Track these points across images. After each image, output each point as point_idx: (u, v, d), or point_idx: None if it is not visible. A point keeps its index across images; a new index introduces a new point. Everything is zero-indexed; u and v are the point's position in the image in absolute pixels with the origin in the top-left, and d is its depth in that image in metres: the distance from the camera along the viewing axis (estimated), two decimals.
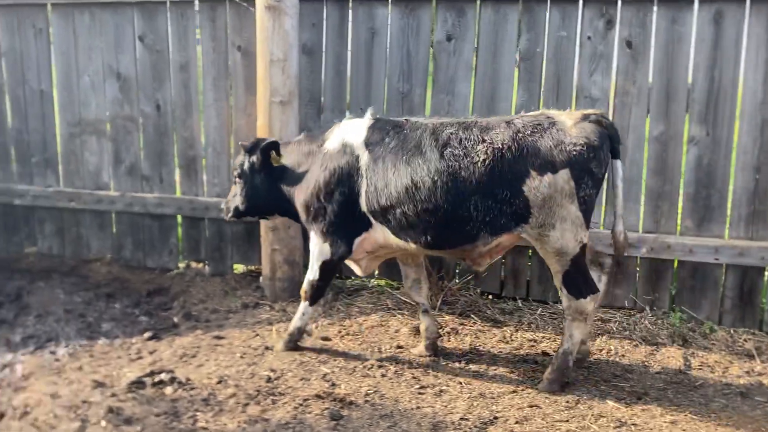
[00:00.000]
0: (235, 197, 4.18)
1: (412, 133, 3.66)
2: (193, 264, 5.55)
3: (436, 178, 3.51)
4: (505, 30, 4.44)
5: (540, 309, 4.63)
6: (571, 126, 3.47)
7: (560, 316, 4.53)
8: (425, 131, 3.64)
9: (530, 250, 4.68)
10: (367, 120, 3.83)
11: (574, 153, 3.40)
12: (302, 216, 3.98)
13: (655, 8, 4.20)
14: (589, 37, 4.32)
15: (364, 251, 3.95)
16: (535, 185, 3.42)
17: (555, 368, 3.65)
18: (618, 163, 3.59)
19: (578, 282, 3.55)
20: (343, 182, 3.76)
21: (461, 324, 4.49)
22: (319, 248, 3.92)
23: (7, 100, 5.59)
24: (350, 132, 3.82)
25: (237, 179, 4.16)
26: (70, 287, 5.25)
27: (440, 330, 4.30)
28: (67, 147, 5.50)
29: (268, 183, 4.08)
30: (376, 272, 5.06)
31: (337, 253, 3.90)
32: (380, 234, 3.80)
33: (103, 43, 5.25)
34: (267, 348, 4.20)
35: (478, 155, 3.46)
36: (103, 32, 5.23)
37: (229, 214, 4.25)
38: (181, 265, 5.52)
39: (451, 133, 3.56)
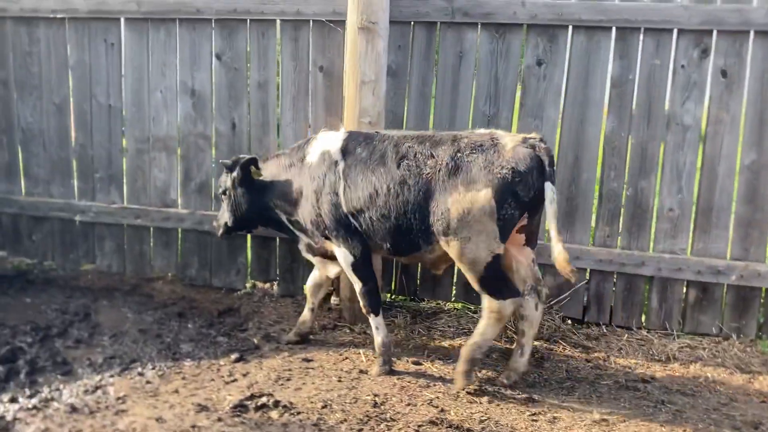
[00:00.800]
0: (223, 214, 4.53)
1: (380, 144, 3.98)
2: (259, 284, 5.49)
3: (391, 186, 3.85)
4: (597, 56, 4.48)
5: (626, 335, 4.62)
6: (509, 149, 3.70)
7: (648, 343, 4.53)
8: (390, 143, 3.96)
9: (615, 276, 4.68)
10: (342, 132, 4.17)
11: (500, 176, 3.65)
12: (310, 229, 4.24)
13: (751, 38, 4.26)
14: (682, 66, 4.37)
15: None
16: (458, 199, 3.69)
17: (464, 360, 3.86)
18: (548, 186, 3.71)
19: (499, 285, 3.78)
20: (328, 186, 4.08)
21: (549, 350, 4.47)
22: (340, 253, 4.16)
23: (71, 114, 5.52)
24: (328, 142, 4.14)
25: (222, 196, 4.48)
26: (137, 306, 5.16)
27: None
28: (133, 163, 5.44)
29: (251, 196, 4.39)
30: (452, 295, 5.03)
31: (357, 255, 4.10)
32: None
33: (177, 59, 5.21)
34: (361, 371, 4.14)
35: (425, 168, 3.80)
36: (179, 48, 5.19)
37: (220, 231, 4.60)
38: (248, 285, 5.45)
39: (409, 147, 3.90)
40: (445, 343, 4.58)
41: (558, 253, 3.64)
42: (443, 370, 4.19)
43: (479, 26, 4.61)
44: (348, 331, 4.77)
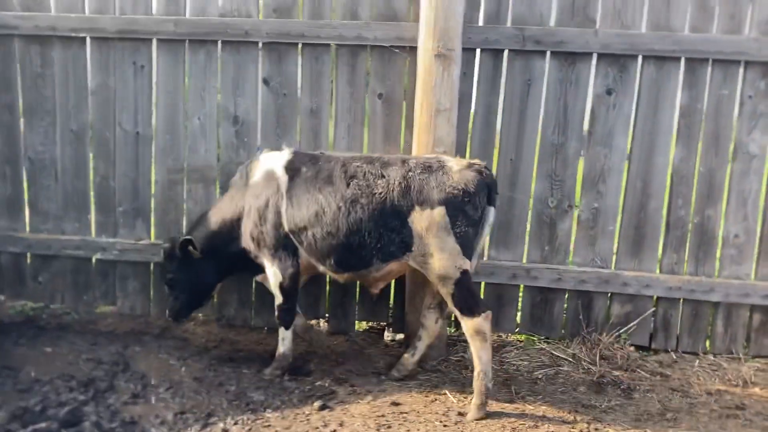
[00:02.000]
0: (177, 299, 4.55)
1: (326, 164, 4.15)
2: (312, 321, 5.19)
3: (341, 204, 4.00)
4: (667, 86, 4.54)
5: (696, 361, 4.68)
6: (456, 171, 3.97)
7: (719, 368, 4.60)
8: (337, 163, 4.13)
9: (681, 302, 4.74)
10: (286, 152, 4.30)
11: (451, 195, 3.91)
12: (250, 245, 4.33)
13: None
14: (750, 96, 4.50)
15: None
16: (418, 218, 3.92)
17: (478, 393, 3.96)
18: (491, 210, 4.06)
19: (468, 302, 3.94)
20: (271, 206, 4.19)
21: (631, 379, 4.44)
22: (271, 271, 4.32)
23: (90, 142, 5.04)
24: (271, 161, 4.28)
25: (171, 283, 4.52)
26: (176, 352, 4.75)
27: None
28: (165, 195, 5.03)
29: (203, 265, 4.45)
30: (516, 326, 4.94)
31: (288, 275, 4.27)
32: (302, 255, 4.25)
33: (219, 84, 4.87)
34: (460, 413, 3.97)
35: (377, 188, 3.98)
36: (221, 72, 4.85)
37: (180, 317, 4.64)
38: None
39: (358, 167, 4.07)
40: (525, 377, 4.47)
41: (473, 265, 4.08)
42: (541, 409, 4.06)
43: (548, 54, 4.58)
44: (420, 369, 4.56)
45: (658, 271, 4.73)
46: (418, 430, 3.78)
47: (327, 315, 5.10)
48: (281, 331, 4.44)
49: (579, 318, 4.82)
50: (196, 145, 4.95)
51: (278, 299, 4.38)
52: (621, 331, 4.76)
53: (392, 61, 4.71)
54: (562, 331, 4.87)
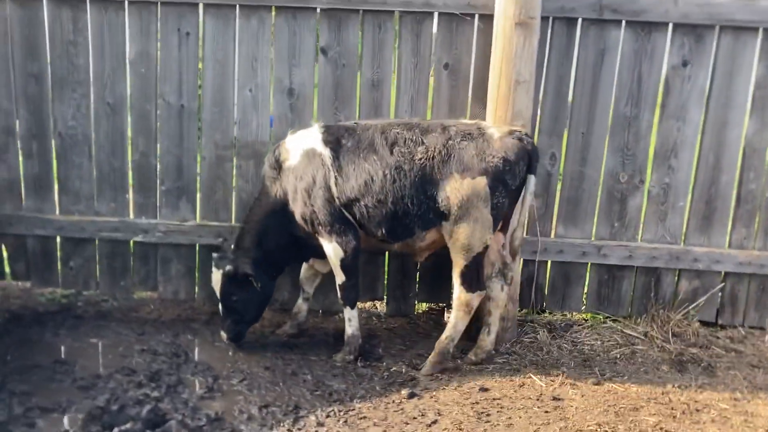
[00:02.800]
0: (237, 323, 4.31)
1: (364, 133, 4.06)
2: (359, 304, 4.96)
3: (386, 172, 3.94)
4: (743, 57, 4.44)
5: (767, 336, 4.66)
6: (496, 139, 3.95)
7: None
8: (375, 131, 4.04)
9: (749, 278, 4.70)
10: (315, 128, 4.17)
11: (492, 164, 3.89)
12: (305, 228, 4.19)
13: None
14: None
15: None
16: (457, 186, 3.88)
17: (437, 352, 4.13)
18: (531, 178, 4.05)
19: (472, 278, 4.01)
20: (320, 181, 4.05)
21: (709, 357, 4.39)
22: (330, 248, 4.15)
23: (128, 116, 4.66)
24: (305, 139, 4.14)
25: (232, 308, 4.28)
26: None
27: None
28: (212, 173, 4.72)
29: (262, 276, 4.24)
30: (582, 305, 4.83)
31: (349, 249, 4.13)
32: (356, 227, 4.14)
33: (273, 53, 4.54)
34: (555, 398, 3.84)
35: (417, 155, 3.93)
36: (275, 40, 4.53)
37: (242, 339, 4.36)
38: None
39: (398, 133, 4.01)
40: (601, 357, 4.38)
41: (516, 238, 4.17)
42: (632, 390, 3.97)
43: (623, 24, 4.41)
44: (494, 353, 4.40)
45: (727, 246, 4.67)
46: (519, 417, 3.64)
47: (385, 296, 4.89)
48: (347, 311, 4.28)
49: (646, 295, 4.74)
50: (247, 118, 4.63)
51: (340, 277, 4.23)
52: (690, 307, 4.70)
53: (460, 30, 4.47)
54: (629, 309, 4.78)
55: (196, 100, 4.64)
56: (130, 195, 4.80)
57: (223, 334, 4.29)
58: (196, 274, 4.89)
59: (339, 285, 4.25)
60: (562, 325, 4.75)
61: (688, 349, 4.44)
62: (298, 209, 4.16)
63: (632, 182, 4.61)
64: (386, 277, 4.86)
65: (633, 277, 4.74)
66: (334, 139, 4.09)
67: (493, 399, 3.84)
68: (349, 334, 4.28)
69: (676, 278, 4.74)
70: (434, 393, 3.89)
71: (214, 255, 4.34)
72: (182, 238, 4.76)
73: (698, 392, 3.97)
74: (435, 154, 3.95)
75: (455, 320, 4.13)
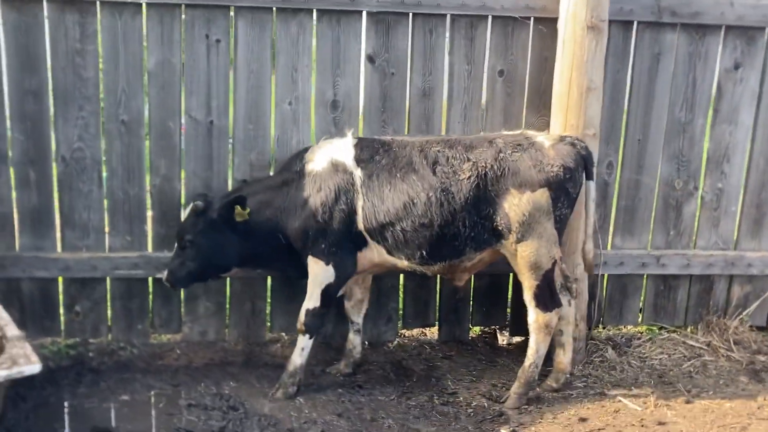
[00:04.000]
0: (184, 264, 3.84)
1: (401, 150, 3.75)
2: (406, 332, 4.61)
3: (430, 194, 3.64)
4: None
5: None
6: (549, 147, 3.72)
7: None
8: (413, 149, 3.75)
9: None
10: (350, 139, 3.83)
11: (552, 174, 3.66)
12: (298, 243, 3.81)
13: None
14: None
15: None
16: (516, 202, 3.63)
17: (523, 383, 3.85)
18: (591, 185, 3.87)
19: (546, 296, 3.78)
20: (342, 200, 3.72)
21: None
22: (321, 271, 3.79)
23: (147, 136, 4.08)
24: (335, 150, 3.81)
25: (186, 245, 3.82)
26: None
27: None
28: None
29: (231, 238, 3.83)
30: (639, 318, 4.67)
31: (343, 275, 3.82)
32: (374, 252, 3.82)
33: (315, 62, 4.10)
34: (660, 423, 3.63)
35: (464, 173, 3.65)
36: (317, 48, 4.09)
37: (180, 283, 3.91)
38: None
39: (438, 152, 3.72)
40: (675, 372, 4.24)
41: (588, 251, 3.92)
42: (725, 406, 3.83)
43: (678, 27, 4.29)
44: (569, 376, 4.14)
45: None
46: None
47: (438, 322, 4.54)
48: (303, 339, 3.86)
49: (700, 304, 4.65)
50: (286, 134, 4.16)
51: (314, 302, 3.84)
52: (744, 313, 4.65)
53: (516, 34, 4.21)
54: (684, 319, 4.67)
55: (228, 116, 4.12)
56: (149, 226, 4.21)
57: (165, 273, 3.88)
58: (227, 311, 4.35)
59: (307, 309, 3.84)
60: (624, 340, 4.57)
61: (756, 357, 4.39)
62: (299, 221, 3.78)
63: (687, 189, 4.50)
64: (438, 301, 4.51)
65: (688, 286, 4.64)
66: (368, 156, 3.77)
67: (599, 430, 3.58)
68: (298, 365, 3.87)
69: (729, 284, 4.67)
70: (533, 428, 3.59)
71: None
72: None
73: None
74: (487, 170, 3.66)
75: (536, 345, 3.84)
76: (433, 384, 4.07)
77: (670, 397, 3.92)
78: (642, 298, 4.65)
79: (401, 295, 4.49)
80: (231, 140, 4.15)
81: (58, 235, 4.14)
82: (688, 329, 4.65)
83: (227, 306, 4.35)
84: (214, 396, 3.82)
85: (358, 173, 3.73)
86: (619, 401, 3.87)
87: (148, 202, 4.18)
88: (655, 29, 4.29)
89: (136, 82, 4.02)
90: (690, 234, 4.57)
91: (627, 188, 4.46)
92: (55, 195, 4.12)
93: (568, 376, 4.07)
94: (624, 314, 4.63)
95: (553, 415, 3.73)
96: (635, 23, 4.27)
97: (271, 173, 4.14)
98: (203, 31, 4.00)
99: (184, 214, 3.92)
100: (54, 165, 4.07)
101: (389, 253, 3.80)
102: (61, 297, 4.23)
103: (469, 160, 3.68)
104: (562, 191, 3.70)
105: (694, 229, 4.57)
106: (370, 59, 4.15)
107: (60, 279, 4.18)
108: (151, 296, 4.29)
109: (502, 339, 4.64)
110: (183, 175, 4.16)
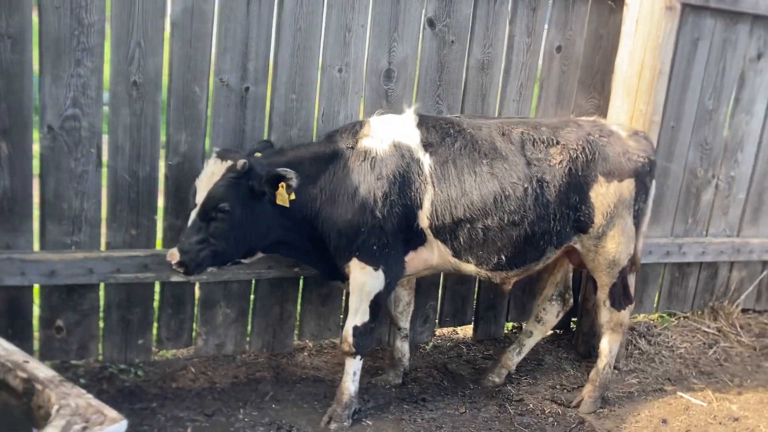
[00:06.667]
0: (207, 242, 2.94)
1: (477, 132, 3.28)
2: (440, 331, 4.20)
3: (526, 185, 3.24)
4: None
5: None
6: (626, 138, 3.48)
7: None
8: (492, 130, 3.32)
9: None
10: (412, 116, 3.28)
11: (640, 164, 3.43)
12: (341, 242, 3.15)
13: None
14: None
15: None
16: (602, 192, 3.38)
17: (598, 385, 3.65)
18: (653, 183, 3.66)
19: (621, 294, 3.60)
20: (404, 192, 3.15)
21: None
22: (370, 278, 3.18)
23: (165, 102, 3.22)
24: (398, 131, 3.22)
25: (216, 215, 2.93)
26: (323, 398, 3.46)
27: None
28: None
29: (270, 213, 3.06)
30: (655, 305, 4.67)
31: (393, 280, 3.29)
32: (432, 253, 3.30)
33: (369, 23, 3.49)
34: (732, 419, 3.65)
35: (554, 158, 3.31)
36: (373, 6, 3.48)
37: (198, 267, 2.97)
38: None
39: (524, 132, 3.33)
40: (704, 360, 4.30)
41: (639, 250, 3.67)
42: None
43: (717, 13, 4.24)
44: (616, 371, 4.03)
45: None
46: None
47: (474, 319, 4.18)
48: (353, 362, 3.27)
49: (706, 289, 4.76)
50: (333, 108, 3.52)
51: (362, 316, 3.22)
52: (741, 297, 4.83)
53: (576, 8, 3.90)
54: (692, 305, 4.76)
55: (266, 83, 3.37)
56: (160, 217, 3.36)
57: (175, 252, 2.91)
58: (249, 318, 3.64)
59: (355, 327, 3.22)
60: (645, 328, 4.53)
61: (763, 341, 4.58)
62: (345, 214, 3.10)
63: (706, 177, 4.53)
64: (476, 298, 4.14)
65: (698, 273, 4.71)
66: (437, 139, 3.21)
67: (686, 429, 3.49)
68: (352, 392, 3.30)
69: (730, 270, 4.81)
70: None
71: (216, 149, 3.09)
72: (242, 273, 3.48)
73: None
74: (579, 153, 3.30)
75: (610, 345, 3.66)
76: (493, 390, 3.73)
77: (722, 389, 3.96)
78: (660, 286, 4.65)
79: (440, 292, 4.06)
80: (269, 112, 3.42)
81: (37, 228, 3.16)
82: (696, 315, 4.75)
83: (251, 312, 3.64)
84: (268, 426, 3.16)
85: (426, 159, 3.18)
86: (682, 397, 3.82)
87: (161, 186, 3.33)
88: (696, 13, 4.19)
89: (156, 34, 3.13)
90: (705, 222, 4.62)
91: (657, 176, 4.37)
92: (36, 176, 3.13)
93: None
94: (644, 302, 4.61)
95: (634, 419, 3.58)
96: (679, 6, 4.13)
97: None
98: None
99: (210, 171, 2.98)
100: (36, 136, 3.07)
101: (456, 255, 3.29)
102: (35, 310, 3.26)
103: (558, 143, 3.32)
104: (643, 184, 3.47)
105: (708, 216, 4.63)
106: (431, 24, 3.61)
107: (35, 287, 3.21)
108: (157, 303, 3.46)
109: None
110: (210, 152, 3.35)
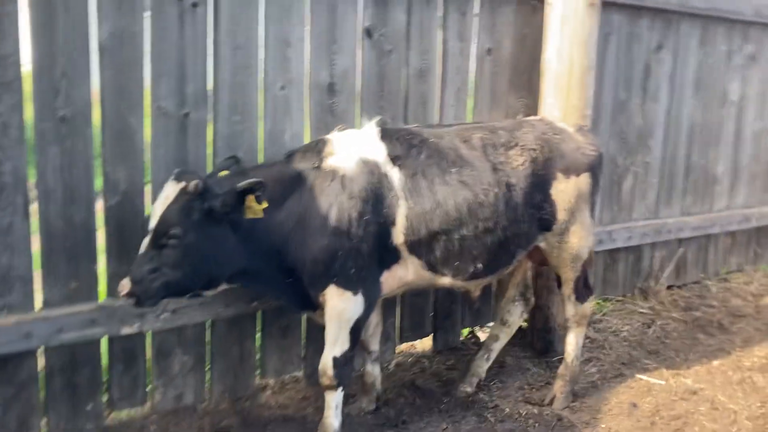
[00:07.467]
0: (160, 271, 2.70)
1: (439, 141, 3.20)
2: (402, 346, 4.10)
3: (495, 189, 3.20)
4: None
5: (713, 287, 5.33)
6: (573, 133, 3.55)
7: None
8: (453, 138, 3.26)
9: (692, 241, 5.30)
10: (374, 130, 3.15)
11: (593, 158, 3.50)
12: (316, 269, 2.96)
13: None
14: None
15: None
16: (562, 188, 3.41)
17: (569, 380, 3.68)
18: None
19: (583, 287, 3.65)
20: (377, 209, 3.01)
21: (708, 315, 4.84)
22: (350, 304, 3.02)
23: (98, 133, 2.91)
24: (363, 146, 3.08)
25: (167, 242, 2.71)
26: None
27: None
28: None
29: (230, 239, 2.83)
30: None
31: (372, 304, 3.15)
32: (407, 270, 3.17)
33: (307, 36, 3.34)
34: (691, 392, 3.81)
35: (516, 159, 3.30)
36: (312, 17, 3.33)
37: (151, 299, 2.73)
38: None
39: (484, 138, 3.30)
40: (649, 341, 4.47)
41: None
42: (714, 363, 4.17)
43: (619, 7, 4.45)
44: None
45: (679, 215, 5.16)
46: None
47: (433, 331, 4.11)
48: (334, 395, 3.11)
49: (633, 272, 4.97)
50: (277, 126, 3.34)
51: (342, 345, 3.06)
52: (664, 276, 5.09)
53: (500, 9, 3.95)
54: (623, 289, 4.96)
55: (206, 105, 3.13)
56: (102, 264, 3.02)
57: (125, 283, 2.65)
58: (207, 362, 3.36)
59: (335, 358, 3.05)
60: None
61: (691, 314, 4.84)
62: (325, 235, 2.91)
63: (625, 164, 4.74)
64: (434, 308, 4.08)
65: (626, 257, 4.91)
66: (403, 151, 3.09)
67: (657, 412, 3.60)
68: (336, 427, 3.14)
69: (652, 251, 5.06)
70: (604, 426, 3.47)
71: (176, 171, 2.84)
72: (198, 315, 3.20)
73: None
74: (537, 153, 3.32)
75: (576, 338, 3.71)
76: (466, 400, 3.67)
77: (671, 365, 4.13)
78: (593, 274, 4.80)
79: (398, 308, 3.95)
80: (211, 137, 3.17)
81: None
82: (627, 297, 4.95)
83: (208, 356, 3.36)
84: None
85: (395, 173, 3.05)
86: (641, 379, 3.95)
87: (102, 230, 2.99)
88: (607, 9, 4.32)
89: (81, 60, 2.81)
90: (628, 208, 4.83)
91: None
92: None
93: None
94: None
95: (606, 407, 3.65)
96: (600, 2, 4.28)
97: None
98: None
99: (165, 195, 2.74)
100: None
101: (432, 269, 3.18)
102: None
103: (517, 144, 3.31)
104: (596, 177, 3.56)
105: (630, 203, 4.84)
106: (368, 33, 3.51)
107: None
108: (106, 361, 3.11)
109: (484, 336, 4.39)
110: (149, 188, 3.06)
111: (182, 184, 2.72)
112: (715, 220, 5.32)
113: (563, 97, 3.93)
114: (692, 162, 5.16)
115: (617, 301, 4.90)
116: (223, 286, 2.97)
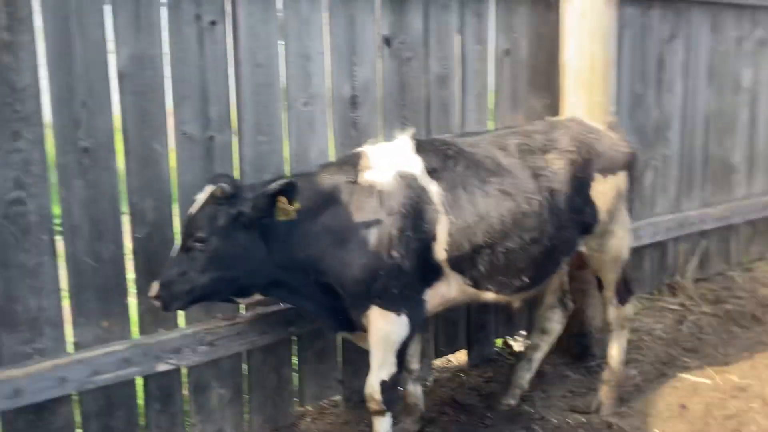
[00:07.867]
0: (188, 275, 2.64)
1: (474, 150, 3.09)
2: (437, 362, 3.99)
3: (539, 197, 3.08)
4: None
5: (739, 279, 5.26)
6: (605, 131, 3.48)
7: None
8: (489, 146, 3.14)
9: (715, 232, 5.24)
10: (408, 142, 3.01)
11: (628, 155, 3.43)
12: (357, 289, 2.84)
13: None
14: None
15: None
16: (601, 189, 3.30)
17: (614, 385, 3.61)
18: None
19: (623, 289, 3.59)
20: (417, 225, 2.88)
21: (739, 307, 4.77)
22: (395, 327, 2.90)
23: (121, 165, 2.80)
24: (399, 159, 2.94)
25: (195, 245, 2.64)
26: None
27: None
28: None
29: (260, 245, 2.73)
30: None
31: (417, 324, 3.01)
32: (450, 287, 3.04)
33: (328, 49, 3.24)
34: (739, 388, 3.73)
35: (554, 163, 3.17)
36: (331, 30, 3.24)
37: (177, 302, 2.67)
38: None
39: (520, 144, 3.18)
40: (686, 338, 4.40)
41: None
42: (757, 357, 4.10)
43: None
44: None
45: (699, 206, 5.09)
46: None
47: (467, 344, 4.00)
48: (383, 421, 2.99)
49: (659, 268, 4.91)
50: (302, 144, 3.22)
51: (389, 368, 2.93)
52: (690, 269, 5.03)
53: (515, 9, 3.87)
54: (651, 285, 4.89)
55: (230, 126, 3.02)
56: (133, 300, 2.90)
57: (155, 285, 2.62)
58: (245, 392, 3.24)
59: (383, 382, 2.92)
60: None
61: (722, 307, 4.77)
62: (364, 254, 2.78)
63: (645, 159, 4.67)
64: (467, 319, 3.97)
65: (651, 253, 4.85)
66: (439, 163, 2.95)
67: (707, 412, 3.52)
68: None
69: (676, 244, 5.00)
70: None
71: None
72: (234, 345, 3.08)
73: None
74: (575, 155, 3.18)
75: (619, 342, 3.61)
76: (511, 413, 3.57)
77: (713, 362, 4.05)
78: None
79: (433, 322, 3.84)
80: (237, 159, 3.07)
81: None
82: (653, 293, 4.89)
83: (245, 386, 3.23)
84: None
85: (434, 187, 2.90)
86: (686, 379, 3.87)
87: (132, 264, 2.87)
88: (621, 2, 4.30)
89: (100, 87, 2.70)
90: (651, 204, 4.77)
91: None
92: None
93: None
94: None
95: (655, 410, 3.56)
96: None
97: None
98: (192, 11, 2.85)
99: (198, 200, 2.67)
100: None
101: (475, 285, 3.04)
102: None
103: (554, 147, 3.19)
104: (632, 175, 3.48)
105: (652, 198, 4.78)
106: (387, 41, 3.42)
107: None
108: (142, 401, 2.98)
109: (518, 345, 4.29)
110: (179, 216, 2.94)
111: (211, 188, 2.66)
112: (735, 210, 5.27)
113: (586, 95, 3.85)
114: (710, 152, 5.11)
115: (645, 299, 4.83)
116: (257, 297, 2.89)
